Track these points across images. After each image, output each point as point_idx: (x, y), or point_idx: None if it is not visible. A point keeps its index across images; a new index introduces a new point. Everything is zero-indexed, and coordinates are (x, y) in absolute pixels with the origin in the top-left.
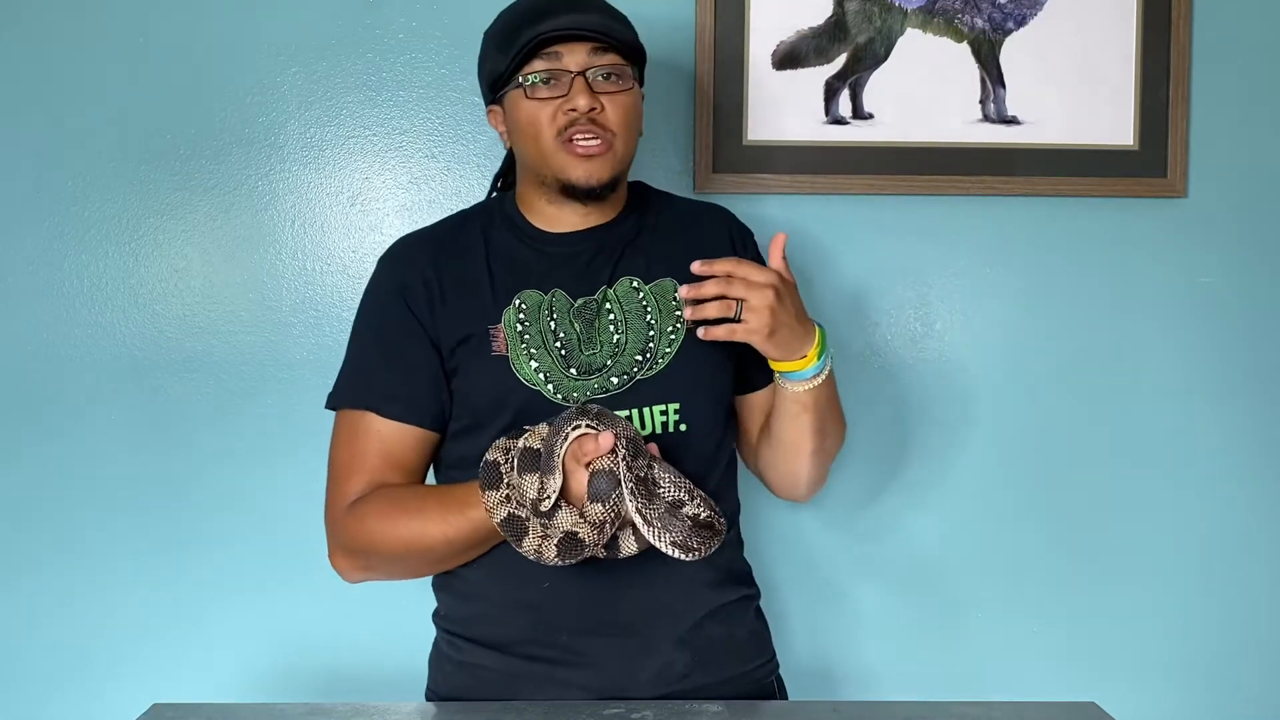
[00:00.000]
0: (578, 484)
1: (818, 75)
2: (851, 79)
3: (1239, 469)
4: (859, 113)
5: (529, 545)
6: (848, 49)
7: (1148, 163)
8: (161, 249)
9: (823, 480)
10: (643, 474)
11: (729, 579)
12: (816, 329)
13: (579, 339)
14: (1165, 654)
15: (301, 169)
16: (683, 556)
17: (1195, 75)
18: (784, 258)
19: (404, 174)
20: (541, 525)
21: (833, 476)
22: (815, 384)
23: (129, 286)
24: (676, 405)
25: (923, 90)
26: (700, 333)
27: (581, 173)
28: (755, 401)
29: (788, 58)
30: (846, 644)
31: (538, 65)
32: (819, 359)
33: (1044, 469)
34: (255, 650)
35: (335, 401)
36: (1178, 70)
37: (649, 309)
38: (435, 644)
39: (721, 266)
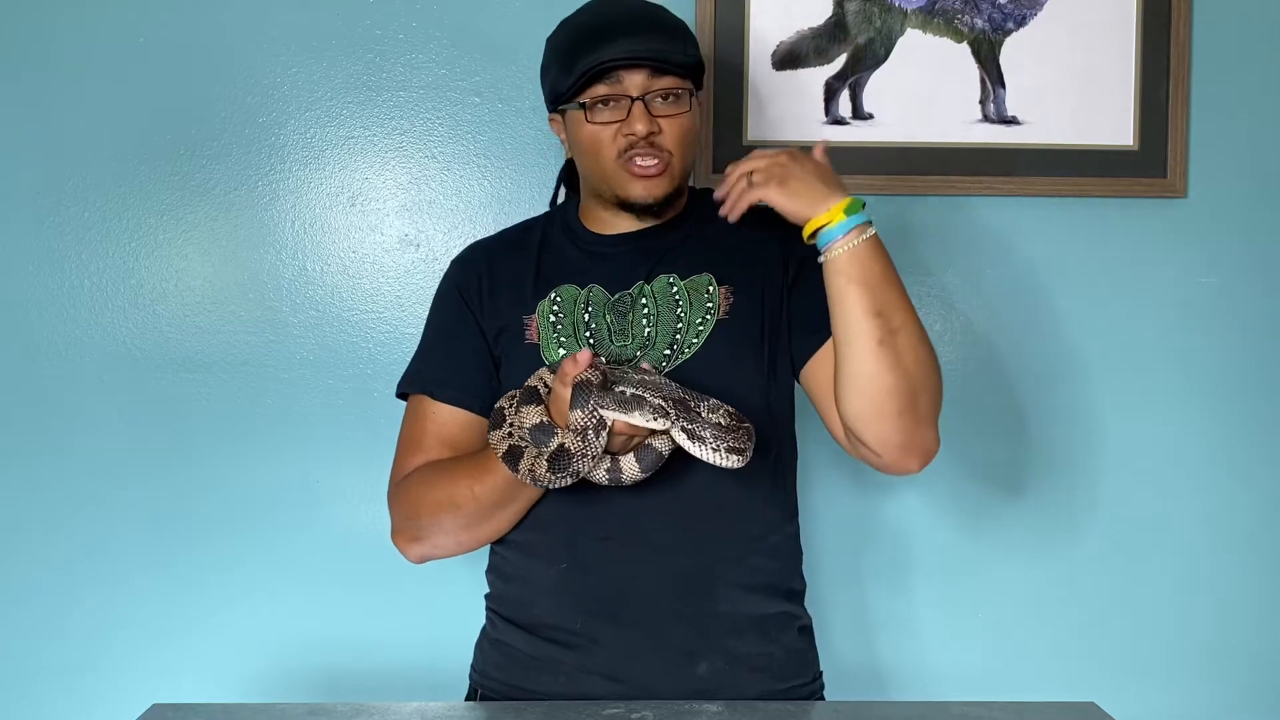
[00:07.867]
0: (561, 402)
1: (818, 75)
2: (851, 79)
3: (1239, 469)
4: (859, 113)
5: (524, 467)
6: (848, 49)
7: (1148, 163)
8: (161, 249)
9: (917, 421)
10: (676, 396)
11: (769, 589)
12: (846, 194)
13: (610, 331)
14: (1165, 653)
15: (301, 169)
16: (738, 463)
17: (1195, 75)
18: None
19: (404, 174)
20: (537, 450)
21: (822, 472)
22: (854, 243)
23: (129, 286)
24: None
25: (923, 90)
26: (723, 210)
27: (640, 190)
28: (818, 370)
29: (788, 58)
30: (845, 644)
31: (599, 90)
32: (850, 214)
33: (1042, 469)
34: (256, 650)
35: (400, 387)
36: (1178, 70)
37: (681, 302)
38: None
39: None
